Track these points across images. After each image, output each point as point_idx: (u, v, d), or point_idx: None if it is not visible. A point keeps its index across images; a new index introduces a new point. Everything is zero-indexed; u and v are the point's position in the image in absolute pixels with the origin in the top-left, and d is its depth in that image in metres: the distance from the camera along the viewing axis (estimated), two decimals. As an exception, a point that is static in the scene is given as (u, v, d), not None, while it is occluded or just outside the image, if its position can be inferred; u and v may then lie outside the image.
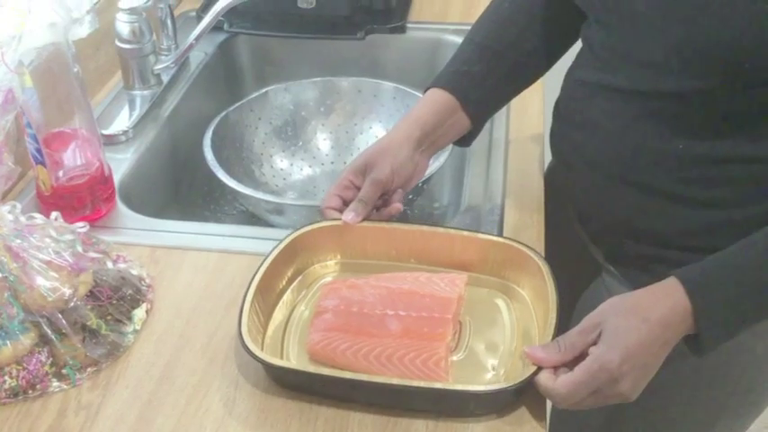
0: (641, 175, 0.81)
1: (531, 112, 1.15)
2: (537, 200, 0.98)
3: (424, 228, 0.86)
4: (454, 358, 0.76)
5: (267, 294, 0.81)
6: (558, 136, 0.93)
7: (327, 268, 0.87)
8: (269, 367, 0.73)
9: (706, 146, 0.77)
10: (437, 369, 0.73)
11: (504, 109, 1.15)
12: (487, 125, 1.12)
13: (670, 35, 0.73)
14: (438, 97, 0.89)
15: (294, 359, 0.77)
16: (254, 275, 0.79)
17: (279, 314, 0.82)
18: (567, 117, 0.91)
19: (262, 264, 0.80)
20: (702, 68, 0.73)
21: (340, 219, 0.84)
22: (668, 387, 0.95)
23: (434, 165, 1.04)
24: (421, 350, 0.74)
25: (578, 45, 0.91)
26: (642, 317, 0.70)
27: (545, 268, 0.79)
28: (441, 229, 0.86)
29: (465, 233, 0.85)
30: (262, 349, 0.74)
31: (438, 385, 0.71)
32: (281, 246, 0.83)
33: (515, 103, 1.16)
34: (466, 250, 0.84)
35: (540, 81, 1.21)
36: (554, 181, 1.01)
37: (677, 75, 0.75)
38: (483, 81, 0.90)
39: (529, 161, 1.05)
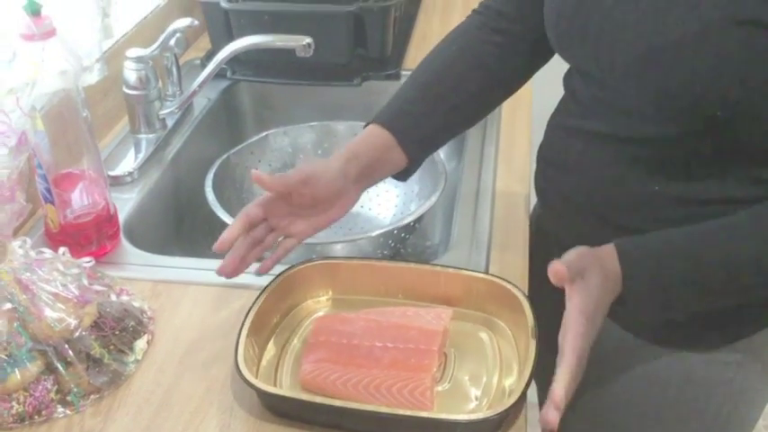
0: (619, 215, 0.85)
1: (518, 155, 1.20)
2: (522, 239, 1.02)
3: (412, 265, 0.90)
4: (439, 388, 0.80)
5: (262, 328, 0.85)
6: (541, 178, 0.97)
7: (320, 304, 0.92)
8: (263, 395, 0.76)
9: (681, 188, 0.81)
10: (423, 399, 0.77)
11: (492, 153, 1.21)
12: (476, 169, 1.17)
13: (646, 85, 0.77)
14: (376, 133, 0.91)
15: (287, 389, 0.81)
16: (250, 309, 0.83)
17: (272, 346, 0.86)
18: (549, 160, 0.95)
19: (257, 299, 0.85)
20: (676, 116, 0.77)
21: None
22: (647, 420, 0.98)
23: (425, 204, 1.09)
24: (407, 380, 0.78)
25: (559, 92, 0.95)
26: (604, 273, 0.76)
27: (525, 303, 0.83)
28: (427, 266, 0.90)
29: (450, 270, 0.89)
30: (256, 378, 0.78)
31: (424, 414, 0.75)
32: (276, 282, 0.87)
33: (503, 148, 1.22)
34: (451, 286, 0.88)
35: (526, 126, 1.28)
36: (538, 221, 1.05)
37: (653, 121, 0.79)
38: (422, 121, 0.92)
39: (515, 203, 1.09)
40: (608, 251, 0.77)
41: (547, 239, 1.01)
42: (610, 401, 1.00)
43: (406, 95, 0.94)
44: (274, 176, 0.85)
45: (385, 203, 1.30)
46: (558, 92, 0.96)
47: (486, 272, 0.94)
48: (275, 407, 0.78)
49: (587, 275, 0.75)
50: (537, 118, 1.04)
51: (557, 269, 0.75)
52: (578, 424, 1.06)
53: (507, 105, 1.32)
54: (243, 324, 0.81)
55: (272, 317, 0.87)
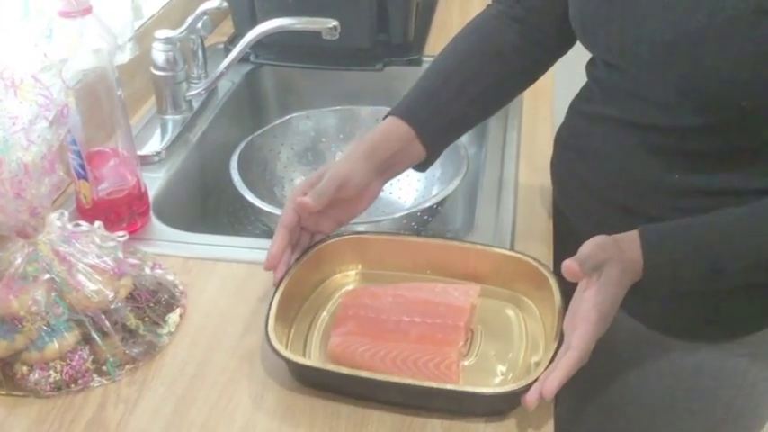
0: (638, 203, 0.86)
1: (541, 143, 1.21)
2: (546, 225, 1.03)
3: (441, 241, 0.92)
4: (465, 363, 0.81)
5: (292, 300, 0.86)
6: (559, 163, 0.97)
7: (349, 278, 0.93)
8: (293, 365, 0.78)
9: (701, 178, 0.82)
10: (449, 372, 0.78)
11: (514, 140, 1.22)
12: (498, 155, 1.18)
13: (670, 76, 0.77)
14: (395, 125, 0.90)
15: (315, 360, 0.82)
16: (281, 281, 0.85)
17: (302, 319, 0.87)
18: (568, 145, 0.95)
19: (288, 271, 0.86)
20: (700, 107, 0.77)
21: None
22: (660, 411, 0.99)
23: (448, 187, 1.11)
24: (434, 354, 0.79)
25: (581, 77, 0.95)
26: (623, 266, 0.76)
27: (552, 281, 0.84)
28: (456, 243, 0.91)
29: (479, 246, 0.90)
30: (286, 349, 0.79)
31: (450, 386, 0.76)
32: (307, 255, 0.89)
33: (526, 136, 1.23)
34: (479, 263, 0.90)
35: (548, 114, 1.29)
36: (557, 207, 1.05)
37: (677, 112, 0.80)
38: (441, 113, 0.92)
39: (538, 189, 1.10)
40: (630, 239, 0.77)
41: (565, 226, 1.01)
42: (622, 393, 1.02)
43: (425, 87, 0.94)
44: (314, 197, 0.85)
45: (406, 188, 1.31)
46: (580, 77, 0.96)
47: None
48: (304, 377, 0.79)
49: (606, 269, 0.75)
50: (558, 102, 1.04)
51: (569, 266, 0.74)
52: (591, 415, 1.08)
53: (529, 94, 1.33)
54: (273, 296, 0.83)
55: (301, 289, 0.89)
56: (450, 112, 0.93)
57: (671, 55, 0.76)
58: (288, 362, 0.78)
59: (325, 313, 0.88)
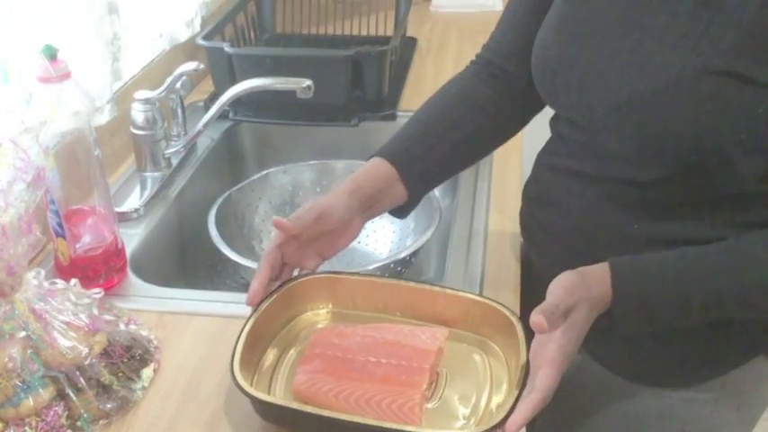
0: (602, 252, 0.86)
1: (510, 193, 1.24)
2: (513, 275, 1.05)
3: (411, 284, 0.94)
4: (429, 406, 0.82)
5: (261, 336, 0.88)
6: (527, 214, 1.00)
7: (319, 316, 0.95)
8: (256, 402, 0.79)
9: (661, 228, 0.85)
10: (411, 414, 0.79)
11: (484, 189, 1.25)
12: (469, 206, 1.21)
13: (625, 132, 0.81)
14: (379, 165, 0.95)
15: (281, 398, 0.83)
16: (250, 316, 0.86)
17: (270, 356, 0.89)
18: (535, 197, 0.99)
19: (258, 307, 0.87)
20: (655, 160, 0.81)
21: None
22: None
23: (420, 239, 1.13)
24: (397, 396, 0.81)
25: (548, 132, 0.99)
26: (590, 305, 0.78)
27: (518, 326, 0.86)
28: (426, 286, 0.93)
29: (448, 291, 0.92)
30: (252, 385, 0.81)
31: (410, 428, 0.77)
32: (278, 292, 0.90)
33: (495, 186, 1.26)
34: (448, 307, 0.91)
35: (517, 165, 1.32)
36: (525, 258, 1.08)
37: (635, 165, 0.83)
38: (422, 158, 0.96)
39: (507, 241, 1.12)
40: (599, 272, 0.80)
41: (533, 273, 1.04)
42: None
43: (407, 133, 0.99)
44: (292, 220, 0.88)
45: (382, 239, 1.34)
46: (547, 131, 0.99)
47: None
48: (267, 414, 0.81)
49: (573, 313, 0.77)
50: (526, 155, 1.07)
51: (538, 323, 0.75)
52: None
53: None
54: (242, 331, 0.84)
55: (271, 326, 0.90)
56: (430, 159, 0.96)
57: (625, 113, 0.80)
58: (251, 398, 0.79)
59: (293, 351, 0.90)
